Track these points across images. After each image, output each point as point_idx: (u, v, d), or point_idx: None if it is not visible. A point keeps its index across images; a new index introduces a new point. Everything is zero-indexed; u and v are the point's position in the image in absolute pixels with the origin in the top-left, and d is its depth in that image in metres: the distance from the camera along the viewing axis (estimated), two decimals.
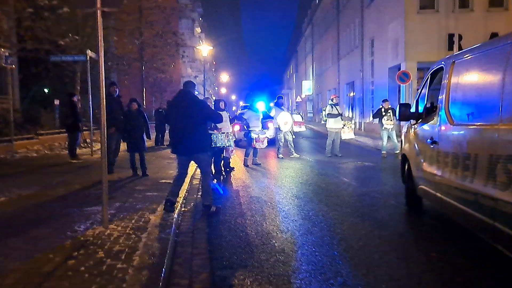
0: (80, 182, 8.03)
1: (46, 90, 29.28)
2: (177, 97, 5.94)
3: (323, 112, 12.91)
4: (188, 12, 44.76)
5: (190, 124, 5.58)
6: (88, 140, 14.20)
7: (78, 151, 12.98)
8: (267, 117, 12.33)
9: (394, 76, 20.54)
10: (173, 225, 4.88)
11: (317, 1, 44.02)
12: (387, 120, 12.24)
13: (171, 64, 17.18)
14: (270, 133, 12.32)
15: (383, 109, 12.42)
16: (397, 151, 12.62)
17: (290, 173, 9.48)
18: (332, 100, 12.75)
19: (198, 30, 52.10)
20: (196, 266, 3.83)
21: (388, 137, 12.60)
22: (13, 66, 12.02)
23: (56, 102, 18.30)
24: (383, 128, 12.41)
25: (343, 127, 12.61)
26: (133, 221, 5.08)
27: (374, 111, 12.95)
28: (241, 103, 26.73)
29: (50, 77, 13.65)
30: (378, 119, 12.65)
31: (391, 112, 12.32)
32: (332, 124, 12.43)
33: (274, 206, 6.26)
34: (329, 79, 38.06)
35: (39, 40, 12.24)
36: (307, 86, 48.95)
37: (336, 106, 12.53)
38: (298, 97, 57.77)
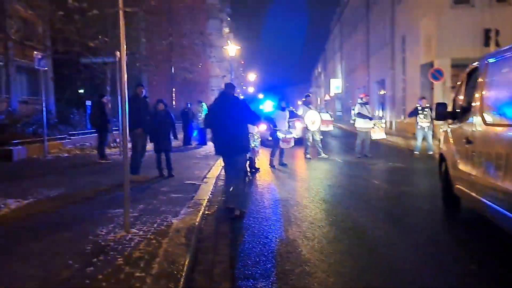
0: (107, 183, 8.07)
1: (80, 92, 30.15)
2: (219, 100, 6.00)
3: (352, 111, 12.50)
4: (216, 12, 45.02)
5: (232, 125, 5.65)
6: (117, 140, 14.40)
7: (107, 151, 13.19)
8: (294, 116, 12.08)
9: (426, 74, 19.81)
10: (195, 230, 4.74)
11: None
12: (423, 118, 11.72)
13: (199, 64, 17.19)
14: (297, 133, 12.08)
15: (419, 107, 11.90)
16: (431, 152, 12.09)
17: (317, 175, 9.19)
18: (361, 98, 12.34)
19: (226, 30, 52.32)
20: (217, 276, 3.67)
21: (423, 138, 12.07)
22: (46, 68, 12.29)
23: (88, 103, 18.73)
24: (418, 127, 11.89)
25: (373, 127, 12.18)
26: (155, 225, 4.98)
27: (411, 110, 12.42)
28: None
29: (82, 78, 13.90)
30: (414, 118, 12.13)
31: (428, 111, 11.79)
32: (362, 124, 12.03)
33: (301, 211, 6.02)
34: (358, 77, 37.26)
35: (70, 43, 12.47)
36: (336, 84, 48.19)
37: (366, 105, 12.12)
38: (327, 95, 56.98)
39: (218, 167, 10.03)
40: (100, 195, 6.98)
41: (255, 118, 6.11)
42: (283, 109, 10.81)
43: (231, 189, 5.80)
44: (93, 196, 6.86)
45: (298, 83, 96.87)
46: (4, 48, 18.04)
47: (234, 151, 5.76)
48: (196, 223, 5.02)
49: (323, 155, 11.92)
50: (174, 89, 33.06)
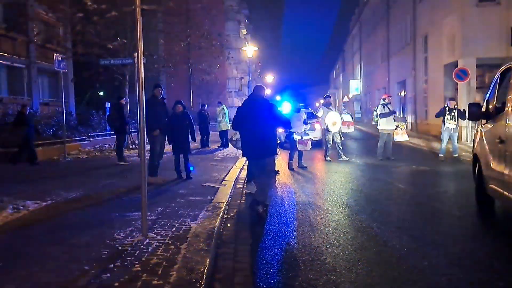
0: (125, 185, 8.00)
1: (100, 94, 30.54)
2: (248, 102, 6.04)
3: (375, 113, 12.17)
4: (234, 14, 45.05)
5: (261, 128, 5.69)
6: (136, 142, 14.40)
7: (126, 153, 13.21)
8: (312, 117, 11.82)
9: (450, 74, 19.25)
10: (214, 235, 4.57)
11: None
12: (450, 119, 11.31)
13: (217, 66, 17.10)
14: (315, 135, 11.82)
15: (447, 108, 11.50)
16: (456, 155, 11.67)
17: (339, 178, 8.93)
18: (384, 99, 12.00)
19: (244, 31, 52.29)
20: (238, 285, 3.49)
21: (449, 140, 11.64)
22: (65, 70, 12.39)
23: (107, 104, 18.89)
24: (444, 128, 11.48)
25: (396, 128, 11.82)
26: (173, 229, 4.83)
27: (439, 110, 12.00)
28: None
29: (101, 80, 13.96)
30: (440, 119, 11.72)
31: (455, 112, 11.38)
32: (384, 125, 11.68)
33: (323, 216, 5.79)
34: (378, 78, 36.64)
35: (90, 44, 12.53)
36: (355, 86, 47.53)
37: (388, 106, 11.77)
38: (345, 97, 56.32)
39: (236, 169, 9.88)
40: (118, 197, 6.90)
41: (284, 121, 6.12)
42: (298, 111, 10.57)
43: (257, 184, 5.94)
44: (111, 199, 6.79)
45: (316, 85, 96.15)
46: (26, 51, 18.41)
47: (263, 153, 5.77)
48: (215, 228, 4.85)
49: (343, 157, 11.63)
50: (192, 91, 33.23)
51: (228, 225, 5.36)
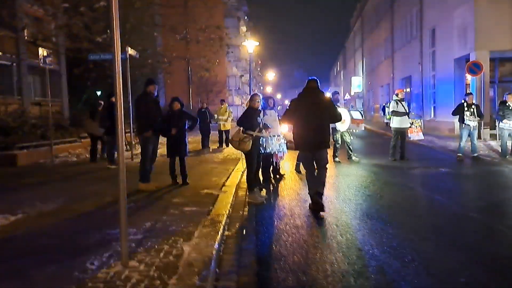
0: (113, 192, 7.07)
1: (98, 93, 29.50)
2: (304, 95, 5.92)
3: (386, 109, 11.23)
4: (233, 11, 44.12)
5: (317, 121, 5.69)
6: (133, 143, 13.45)
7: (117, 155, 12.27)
8: None
9: (461, 68, 18.36)
10: (212, 263, 3.65)
11: None
12: (470, 116, 10.37)
13: (215, 61, 16.12)
14: None
15: (465, 104, 10.56)
16: (476, 154, 10.75)
17: (352, 182, 7.99)
18: (397, 95, 11.04)
19: (244, 29, 51.32)
20: None
21: (467, 138, 10.72)
22: (51, 66, 11.44)
23: (102, 103, 17.93)
24: (463, 125, 10.53)
25: (410, 126, 10.88)
26: (162, 254, 3.91)
27: (456, 107, 11.04)
28: (287, 102, 25.37)
29: (93, 78, 12.99)
30: (458, 116, 10.76)
31: (474, 108, 10.45)
32: (398, 123, 10.73)
33: (343, 231, 4.86)
34: (381, 75, 35.67)
35: (78, 38, 11.57)
36: (357, 83, 46.59)
37: (402, 102, 10.83)
38: (347, 94, 55.35)
39: (238, 173, 8.96)
40: (102, 209, 5.98)
41: (338, 115, 6.02)
42: None
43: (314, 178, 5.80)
44: (93, 211, 5.86)
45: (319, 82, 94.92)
46: (15, 48, 17.44)
47: (319, 145, 5.76)
48: (213, 252, 3.93)
49: (354, 158, 10.71)
50: (191, 89, 32.27)
51: (229, 246, 4.43)
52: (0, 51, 16.61)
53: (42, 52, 10.87)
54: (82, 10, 10.54)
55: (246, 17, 54.20)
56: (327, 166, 5.93)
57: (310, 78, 6.07)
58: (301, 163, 9.26)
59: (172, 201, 6.44)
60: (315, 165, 5.90)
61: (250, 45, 17.56)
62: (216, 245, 4.12)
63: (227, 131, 14.99)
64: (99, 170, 9.93)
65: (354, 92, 48.45)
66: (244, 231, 4.99)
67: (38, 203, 6.22)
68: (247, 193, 6.57)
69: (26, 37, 16.63)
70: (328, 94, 11.52)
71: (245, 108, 6.77)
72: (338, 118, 6.02)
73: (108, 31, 11.31)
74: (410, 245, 4.29)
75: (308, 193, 5.91)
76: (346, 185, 7.72)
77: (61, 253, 4.01)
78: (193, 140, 16.52)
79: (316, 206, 5.65)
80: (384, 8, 33.40)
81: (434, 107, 22.24)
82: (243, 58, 42.56)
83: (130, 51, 11.26)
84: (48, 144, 11.80)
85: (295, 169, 9.29)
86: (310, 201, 5.95)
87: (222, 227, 4.88)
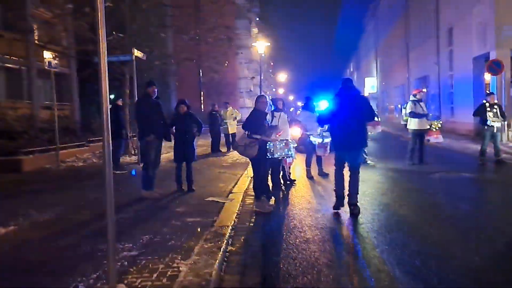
0: (115, 200, 6.71)
1: (111, 97, 29.43)
2: (341, 94, 5.92)
3: (403, 111, 10.66)
4: (245, 12, 43.82)
5: (354, 120, 5.66)
6: (133, 148, 13.15)
7: (126, 160, 11.98)
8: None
9: (479, 67, 17.64)
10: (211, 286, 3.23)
11: None
12: (494, 117, 9.74)
13: (225, 63, 15.69)
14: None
15: (487, 104, 9.94)
16: (500, 157, 10.10)
17: (369, 189, 7.46)
18: (414, 95, 10.46)
19: (255, 30, 50.95)
20: None
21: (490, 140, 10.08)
22: (56, 69, 11.19)
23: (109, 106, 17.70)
24: (486, 126, 9.90)
25: (429, 128, 10.29)
26: (155, 274, 3.50)
27: (477, 108, 10.41)
28: (300, 104, 24.73)
29: (94, 80, 12.70)
30: (480, 117, 10.12)
31: (497, 108, 9.83)
32: (416, 125, 10.14)
33: (364, 248, 4.36)
34: (396, 75, 34.91)
35: (84, 40, 11.29)
36: (371, 84, 45.81)
37: (420, 103, 10.25)
38: None
39: (246, 178, 8.53)
40: (100, 219, 5.58)
41: (373, 115, 6.10)
42: (312, 110, 9.17)
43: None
44: (89, 221, 5.51)
45: (329, 84, 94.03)
46: (25, 52, 17.35)
47: (355, 145, 5.77)
48: (213, 274, 3.49)
49: (369, 162, 10.17)
50: (202, 92, 31.96)
51: (232, 263, 4.00)
52: (10, 54, 16.54)
53: (48, 55, 10.63)
54: (87, 10, 10.24)
55: (257, 19, 53.84)
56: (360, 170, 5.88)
57: (345, 78, 6.24)
58: (310, 169, 8.86)
59: (175, 210, 6.06)
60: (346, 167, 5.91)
61: (261, 45, 17.14)
62: (216, 265, 3.69)
63: (233, 134, 14.58)
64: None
65: (369, 93, 47.64)
66: (249, 246, 4.55)
67: (34, 212, 5.89)
68: (254, 202, 6.13)
69: (36, 41, 16.50)
70: None
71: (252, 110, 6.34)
72: (373, 115, 6.08)
73: (114, 32, 11.02)
74: (435, 264, 3.79)
75: (334, 190, 5.92)
76: (362, 192, 7.14)
77: (43, 273, 3.63)
78: (203, 143, 16.18)
79: (355, 214, 5.61)
80: (398, 8, 32.69)
81: (452, 108, 21.49)
82: (255, 60, 42.12)
83: (137, 53, 10.95)
84: (54, 149, 11.57)
85: (307, 176, 8.81)
86: (320, 213, 5.46)
87: (225, 241, 4.45)
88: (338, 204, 5.80)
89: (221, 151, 14.31)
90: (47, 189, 8.10)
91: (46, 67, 10.83)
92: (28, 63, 17.11)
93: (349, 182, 5.77)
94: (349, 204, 5.70)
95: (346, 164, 5.95)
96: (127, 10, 11.54)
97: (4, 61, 16.35)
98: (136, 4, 11.77)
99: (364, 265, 3.84)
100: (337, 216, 5.68)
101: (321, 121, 6.43)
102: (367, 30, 52.09)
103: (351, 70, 76.39)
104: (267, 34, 44.89)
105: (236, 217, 5.63)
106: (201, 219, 5.49)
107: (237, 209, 6.14)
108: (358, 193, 5.78)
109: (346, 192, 5.80)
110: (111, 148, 3.35)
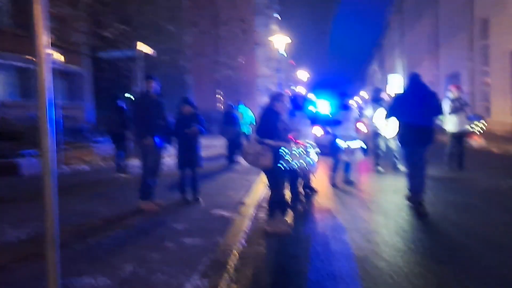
0: (107, 213, 5.84)
1: (128, 95, 28.95)
2: (409, 89, 5.95)
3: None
4: (263, 9, 42.76)
5: (425, 114, 5.62)
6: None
7: (131, 162, 11.12)
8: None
9: None
10: None
11: None
12: None
13: (239, 58, 14.64)
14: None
15: None
16: None
17: (402, 202, 6.24)
18: (451, 92, 9.19)
19: (275, 27, 49.76)
20: None
21: None
22: (56, 65, 10.39)
23: (120, 104, 16.98)
24: None
25: (471, 130, 9.01)
26: None
27: None
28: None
29: (106, 78, 11.93)
30: None
31: None
32: (454, 126, 8.88)
33: (398, 285, 3.29)
34: (423, 72, 32.83)
35: (84, 33, 10.48)
36: (396, 82, 43.92)
37: (459, 100, 8.99)
38: (384, 93, 52.68)
39: (260, 185, 7.49)
40: (83, 239, 4.69)
41: (441, 110, 6.10)
42: (345, 108, 7.99)
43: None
44: (66, 242, 4.57)
45: (352, 81, 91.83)
46: (35, 49, 16.78)
47: (425, 141, 5.71)
48: None
49: (401, 168, 8.98)
50: (220, 90, 31.06)
51: None
52: (19, 53, 15.98)
53: (50, 50, 9.86)
54: (90, 1, 9.41)
55: (276, 15, 52.63)
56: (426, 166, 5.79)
57: (413, 73, 6.18)
58: (335, 176, 7.75)
59: (173, 227, 5.12)
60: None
61: (279, 40, 16.03)
62: None
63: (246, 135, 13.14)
64: (105, 180, 8.81)
65: (394, 93, 45.78)
66: (258, 284, 3.53)
67: (7, 228, 5.04)
68: (268, 220, 5.08)
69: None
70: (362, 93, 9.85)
71: (264, 109, 5.28)
72: (441, 109, 6.05)
73: (115, 23, 10.14)
74: None
75: (408, 191, 5.81)
76: (395, 206, 6.06)
77: None
78: (218, 143, 15.23)
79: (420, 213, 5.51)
80: (426, 1, 30.97)
81: (488, 107, 19.87)
82: (274, 58, 40.99)
83: (142, 46, 10.05)
84: (66, 149, 10.86)
85: (330, 182, 7.70)
86: (347, 234, 4.38)
87: (226, 277, 3.44)
88: (413, 199, 5.75)
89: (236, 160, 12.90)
90: (35, 197, 7.19)
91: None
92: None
93: (416, 179, 5.71)
94: (414, 202, 5.64)
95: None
96: (133, 2, 10.66)
97: (14, 59, 15.84)
98: None
99: None
100: (367, 238, 4.57)
101: (390, 114, 6.28)
102: (392, 27, 50.19)
103: (374, 68, 74.26)
104: (287, 31, 43.73)
105: (243, 238, 4.62)
106: (201, 240, 4.52)
107: (247, 226, 5.14)
108: (423, 193, 5.72)
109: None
110: (56, 156, 2.39)
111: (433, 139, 5.83)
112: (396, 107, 6.03)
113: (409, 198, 5.82)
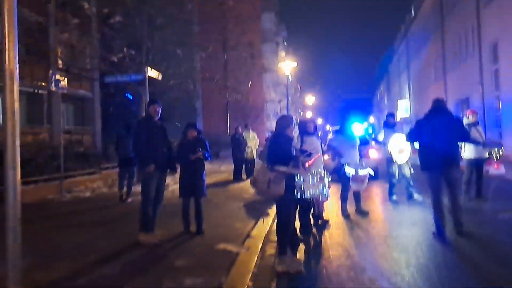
0: (104, 247, 5.46)
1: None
2: (432, 114, 5.94)
3: None
4: (272, 36, 43.26)
5: (448, 138, 5.64)
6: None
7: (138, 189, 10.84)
8: (364, 142, 8.99)
9: None
10: None
11: (413, 15, 39.40)
12: None
13: (248, 83, 14.50)
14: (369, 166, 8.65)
15: None
16: None
17: (421, 235, 5.84)
18: (468, 117, 8.83)
19: (283, 54, 50.22)
20: None
21: None
22: (64, 91, 10.29)
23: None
24: None
25: (488, 157, 8.59)
26: None
27: None
28: (329, 127, 22.73)
29: (114, 102, 11.78)
30: None
31: None
32: (472, 153, 8.45)
33: None
34: (432, 97, 32.70)
35: (90, 58, 10.39)
36: (404, 107, 43.67)
37: (477, 127, 8.62)
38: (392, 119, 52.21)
39: (269, 217, 7.07)
40: (73, 276, 4.31)
41: (467, 132, 6.25)
42: (347, 135, 7.60)
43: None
44: (57, 281, 4.20)
45: (361, 106, 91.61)
46: (45, 75, 16.77)
47: (449, 163, 5.66)
48: None
49: (416, 197, 8.54)
50: (229, 115, 30.99)
51: None
52: (30, 78, 15.98)
53: (52, 75, 9.75)
54: (94, 26, 9.35)
55: (284, 43, 53.22)
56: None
57: (436, 98, 6.21)
58: (346, 205, 7.34)
59: (174, 263, 4.73)
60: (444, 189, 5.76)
61: (287, 66, 15.93)
62: None
63: (252, 161, 13.31)
64: (107, 208, 8.48)
65: (401, 118, 45.40)
66: None
67: None
68: (277, 257, 4.67)
69: (59, 65, 15.96)
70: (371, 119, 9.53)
71: (272, 134, 4.98)
72: (468, 134, 6.17)
73: (125, 49, 10.03)
74: None
75: (433, 219, 5.72)
76: (413, 239, 5.61)
77: None
78: (226, 169, 14.92)
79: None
80: (432, 27, 31.05)
81: (500, 133, 19.40)
82: (282, 83, 41.07)
83: (150, 71, 9.91)
84: (59, 178, 10.56)
85: (342, 214, 7.28)
86: (364, 273, 3.96)
87: None
88: (442, 239, 5.43)
89: (243, 179, 12.97)
90: (30, 229, 6.84)
91: (53, 89, 9.93)
92: (49, 87, 16.52)
93: (452, 203, 5.71)
94: (457, 225, 5.65)
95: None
96: (144, 26, 10.55)
97: (25, 85, 15.82)
98: (152, 20, 10.83)
99: None
100: (387, 280, 4.14)
101: (411, 138, 6.41)
102: (398, 53, 50.37)
103: (381, 93, 74.27)
104: (294, 57, 44.03)
105: (251, 279, 4.21)
106: (203, 280, 4.13)
107: (254, 263, 4.73)
108: (462, 210, 5.76)
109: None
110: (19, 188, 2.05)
111: (458, 161, 5.85)
112: (420, 131, 5.97)
113: (434, 233, 5.63)
